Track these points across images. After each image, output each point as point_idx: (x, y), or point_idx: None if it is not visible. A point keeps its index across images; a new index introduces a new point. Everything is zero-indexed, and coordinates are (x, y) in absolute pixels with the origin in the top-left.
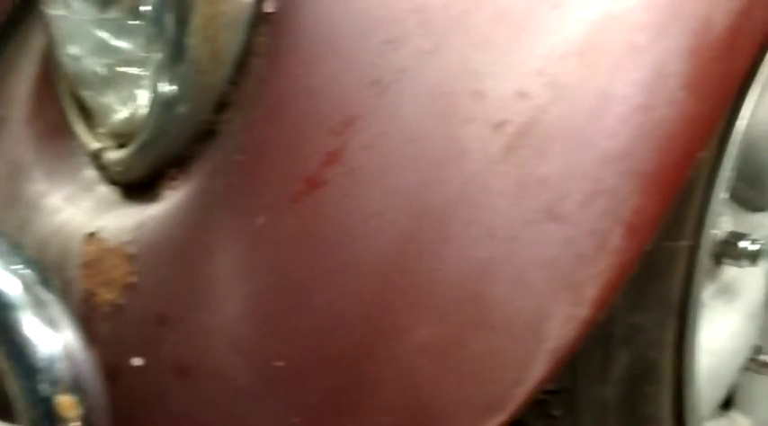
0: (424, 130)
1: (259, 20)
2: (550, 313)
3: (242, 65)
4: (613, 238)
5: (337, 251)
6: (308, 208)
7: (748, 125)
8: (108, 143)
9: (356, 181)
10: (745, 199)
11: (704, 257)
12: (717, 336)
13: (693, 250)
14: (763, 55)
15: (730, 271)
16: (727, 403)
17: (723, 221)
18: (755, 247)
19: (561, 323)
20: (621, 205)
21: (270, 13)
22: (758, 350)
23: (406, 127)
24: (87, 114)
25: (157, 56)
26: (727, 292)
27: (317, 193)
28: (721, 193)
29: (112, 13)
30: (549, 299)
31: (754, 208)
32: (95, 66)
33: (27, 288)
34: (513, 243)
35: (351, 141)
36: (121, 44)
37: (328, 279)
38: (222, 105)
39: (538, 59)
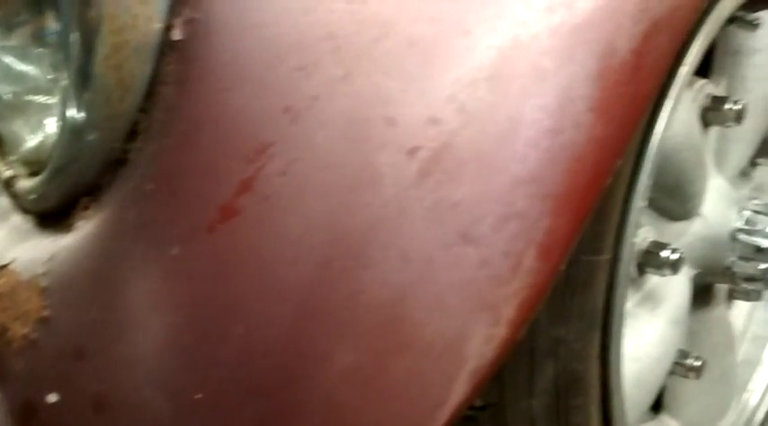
0: (338, 157)
1: (167, 48)
2: (469, 334)
3: (151, 93)
4: (527, 259)
5: (254, 279)
6: (223, 237)
7: (663, 138)
8: (20, 171)
9: (271, 209)
10: (666, 209)
11: (625, 269)
12: (642, 343)
13: (614, 262)
14: (676, 70)
15: (654, 280)
16: (657, 406)
17: (645, 231)
18: (676, 256)
19: (480, 343)
20: (534, 227)
21: (178, 41)
22: (684, 354)
23: (320, 153)
24: None
25: (64, 83)
26: (652, 300)
27: (232, 222)
28: (639, 206)
29: (15, 40)
30: (467, 321)
31: (676, 217)
32: (1, 93)
33: None
34: (429, 266)
35: (264, 169)
36: (27, 71)
37: (246, 308)
38: (133, 133)
39: (448, 86)
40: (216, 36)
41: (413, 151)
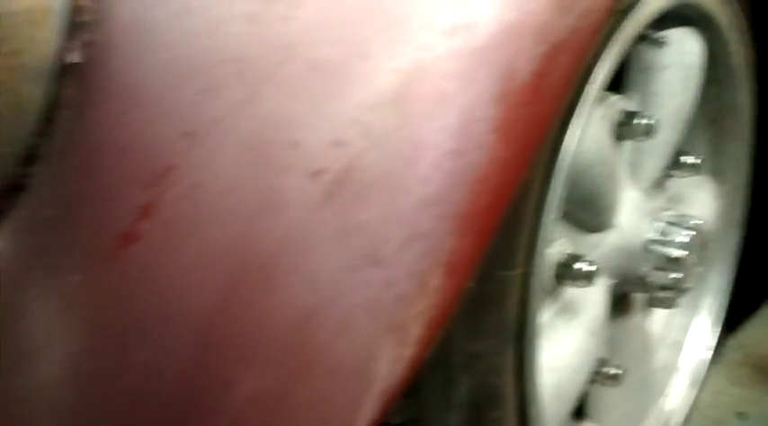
0: (240, 181)
1: (65, 71)
2: (377, 354)
3: (50, 117)
4: (433, 279)
5: (157, 306)
6: (124, 264)
7: (574, 154)
8: None
9: (172, 235)
10: (581, 221)
11: (538, 283)
12: (560, 354)
13: (527, 277)
14: (584, 88)
15: (571, 291)
16: (580, 413)
17: (561, 244)
18: (591, 268)
19: (388, 363)
20: (439, 247)
21: (76, 64)
22: (603, 362)
23: (223, 177)
24: None
25: None
26: (569, 311)
27: (133, 248)
28: (551, 221)
29: None
30: (374, 341)
31: (591, 228)
32: None
33: None
34: (336, 288)
35: (165, 194)
36: None
37: (149, 335)
38: (30, 158)
39: (352, 109)
40: (115, 59)
41: (317, 174)
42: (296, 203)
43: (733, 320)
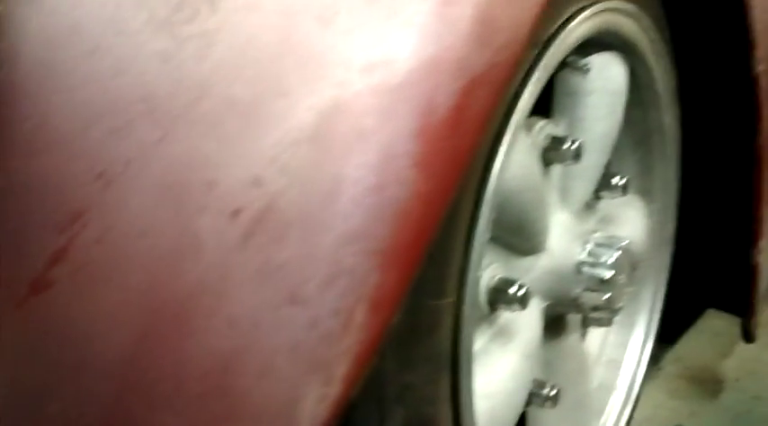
0: (155, 223)
1: None
2: (302, 395)
3: None
4: (357, 315)
5: (70, 355)
6: (36, 312)
7: (502, 181)
8: None
9: (86, 280)
10: (513, 246)
11: (469, 310)
12: (495, 379)
13: (458, 304)
14: (509, 118)
15: (505, 315)
16: None
17: (494, 269)
18: (523, 292)
19: (314, 403)
20: (362, 283)
21: None
22: (540, 384)
23: (137, 220)
24: None
25: None
26: (504, 335)
27: (45, 295)
28: (481, 249)
29: None
30: (298, 383)
31: (523, 252)
32: None
33: None
34: (257, 330)
35: (77, 238)
36: None
37: (62, 385)
38: None
39: (270, 147)
40: (22, 100)
41: (235, 213)
42: (213, 244)
43: (671, 333)
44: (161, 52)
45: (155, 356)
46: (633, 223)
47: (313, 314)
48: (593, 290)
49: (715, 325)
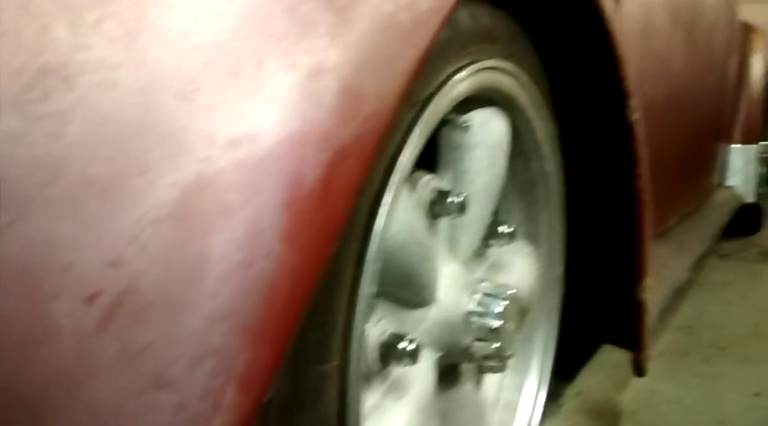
0: (8, 309)
1: None
2: None
3: None
4: (227, 395)
5: None
6: None
7: (385, 239)
8: None
9: None
10: (403, 300)
11: (357, 371)
12: None
13: (344, 368)
14: (387, 176)
15: (398, 369)
16: None
17: (384, 324)
18: (413, 346)
19: None
20: (231, 362)
21: None
22: None
23: None
24: None
25: None
26: (397, 389)
27: None
28: (366, 309)
29: None
30: None
31: (413, 305)
32: None
33: None
34: (119, 418)
35: None
36: None
37: None
38: None
39: (129, 226)
40: None
41: (93, 297)
42: (70, 330)
43: (570, 368)
44: (11, 132)
45: None
46: (522, 268)
47: (180, 397)
48: (482, 340)
49: (612, 358)
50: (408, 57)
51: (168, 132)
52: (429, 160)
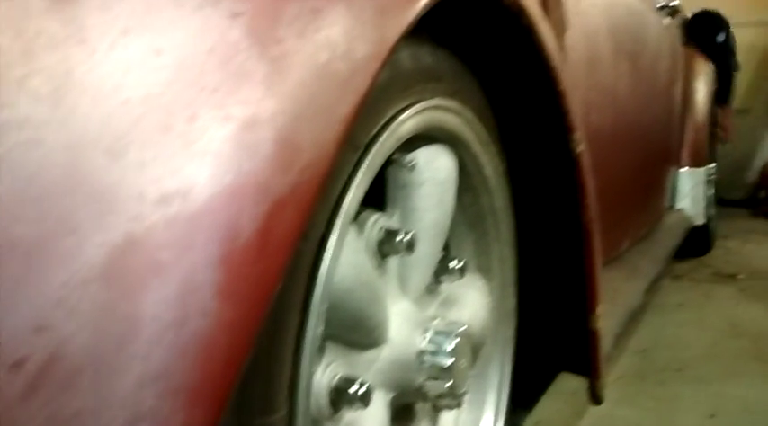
0: None
1: None
2: None
3: None
4: None
5: None
6: None
7: (330, 285)
8: None
9: None
10: (353, 342)
11: (305, 421)
12: None
13: (291, 417)
14: (332, 221)
15: (350, 413)
16: None
17: (335, 367)
18: (363, 389)
19: None
20: (167, 425)
21: None
22: None
23: None
24: None
25: None
26: None
27: None
28: (311, 356)
29: None
30: None
31: (365, 347)
32: None
33: None
34: None
35: None
36: None
37: None
38: None
39: (56, 289)
40: None
41: (18, 364)
42: None
43: (528, 397)
44: None
45: None
46: (474, 302)
47: None
48: (435, 378)
49: (571, 385)
50: (346, 104)
51: (96, 190)
52: (378, 197)
